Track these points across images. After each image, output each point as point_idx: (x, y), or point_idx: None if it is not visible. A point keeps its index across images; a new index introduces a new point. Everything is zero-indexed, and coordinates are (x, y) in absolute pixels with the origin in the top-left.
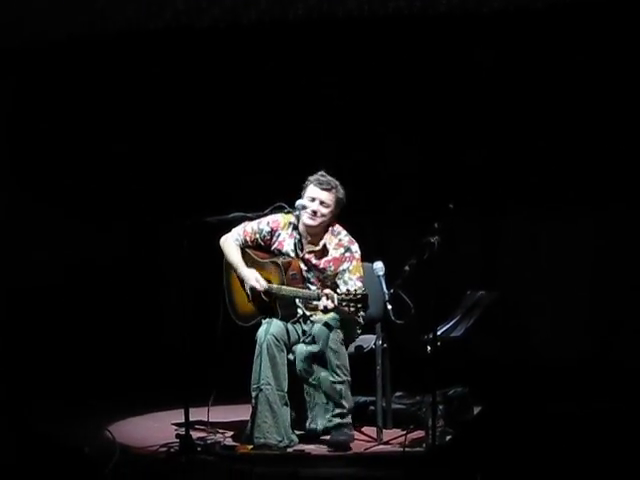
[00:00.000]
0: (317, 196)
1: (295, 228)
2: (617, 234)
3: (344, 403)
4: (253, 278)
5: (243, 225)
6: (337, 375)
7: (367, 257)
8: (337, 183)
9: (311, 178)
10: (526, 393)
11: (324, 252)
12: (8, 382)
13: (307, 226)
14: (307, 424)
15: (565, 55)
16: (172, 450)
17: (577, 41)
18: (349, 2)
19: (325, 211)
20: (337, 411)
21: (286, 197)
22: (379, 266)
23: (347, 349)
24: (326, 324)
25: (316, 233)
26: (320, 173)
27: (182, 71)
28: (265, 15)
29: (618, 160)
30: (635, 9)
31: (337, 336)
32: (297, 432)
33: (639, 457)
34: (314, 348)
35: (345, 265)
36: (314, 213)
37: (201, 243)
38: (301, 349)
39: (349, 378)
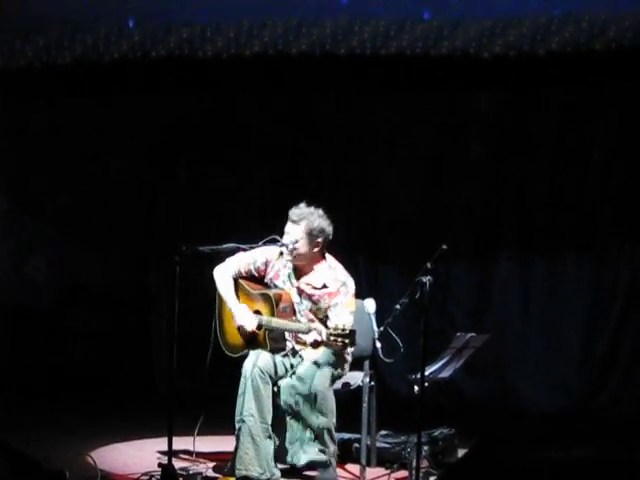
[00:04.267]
0: (286, 229)
1: (289, 257)
2: (607, 280)
3: (329, 445)
4: (243, 317)
5: (237, 256)
6: (323, 417)
7: (359, 294)
8: (311, 212)
9: (292, 212)
10: (512, 438)
11: (323, 286)
12: None
13: (296, 252)
14: (288, 457)
15: (560, 103)
16: (153, 479)
17: (565, 88)
18: (353, 41)
19: (294, 244)
20: (319, 454)
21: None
22: (370, 304)
23: (334, 384)
24: (315, 362)
25: (303, 265)
26: (298, 205)
27: (183, 97)
28: (268, 48)
29: (608, 205)
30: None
31: (324, 379)
32: (280, 466)
33: None
34: (301, 388)
35: (339, 299)
36: (286, 246)
37: (194, 272)
38: (287, 385)
39: (334, 420)
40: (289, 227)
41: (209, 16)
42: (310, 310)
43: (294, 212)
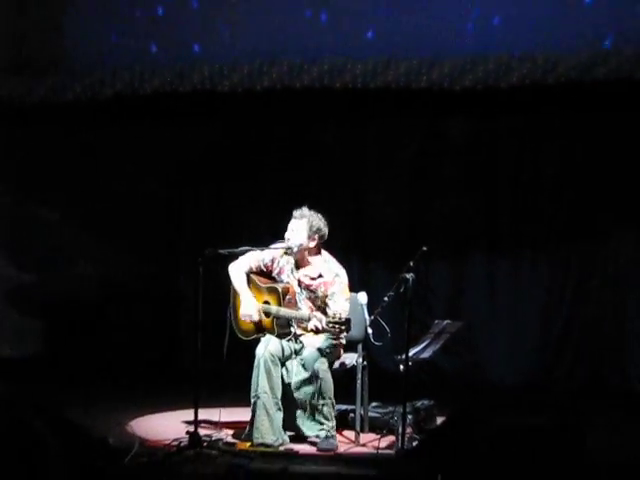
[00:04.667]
0: (290, 225)
1: (291, 254)
2: (560, 275)
3: (328, 421)
4: (250, 308)
5: (249, 254)
6: (322, 398)
7: (353, 288)
8: (311, 214)
9: (294, 213)
10: (481, 407)
11: (318, 276)
12: (51, 384)
13: (297, 249)
14: (296, 423)
15: (520, 128)
16: (182, 444)
17: (524, 116)
18: (346, 76)
19: (296, 236)
20: (321, 427)
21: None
22: (362, 296)
23: (332, 366)
24: (318, 349)
25: (303, 257)
26: (301, 207)
27: (206, 124)
28: (276, 83)
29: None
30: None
31: (324, 364)
32: (288, 433)
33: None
34: (304, 372)
35: (334, 288)
36: (288, 238)
37: (215, 270)
38: (293, 368)
39: (332, 399)
40: (293, 223)
41: (226, 56)
42: (309, 299)
43: (298, 212)
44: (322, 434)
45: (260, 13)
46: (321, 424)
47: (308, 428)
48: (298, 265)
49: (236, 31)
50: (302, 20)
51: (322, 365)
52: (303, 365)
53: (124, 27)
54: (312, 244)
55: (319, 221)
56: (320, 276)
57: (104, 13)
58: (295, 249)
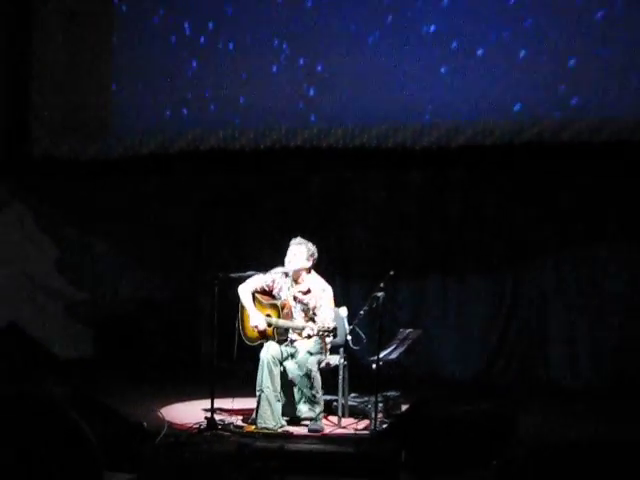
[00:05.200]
0: (291, 249)
1: (287, 276)
2: (497, 293)
3: (317, 408)
4: (256, 319)
5: (254, 278)
6: (313, 389)
7: (335, 304)
8: (306, 242)
9: (291, 242)
10: (437, 397)
11: (308, 291)
12: (99, 380)
13: (293, 272)
14: (296, 411)
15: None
16: (201, 427)
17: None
18: (330, 138)
19: (296, 258)
20: (312, 414)
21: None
22: (343, 310)
23: (320, 365)
24: (309, 352)
25: (298, 276)
26: (297, 237)
27: (221, 172)
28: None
29: (499, 241)
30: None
31: (314, 363)
32: (285, 418)
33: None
34: (299, 369)
35: (322, 301)
36: (289, 261)
37: (227, 290)
38: (290, 366)
39: (320, 390)
40: (294, 249)
41: (234, 122)
42: (302, 310)
43: (297, 240)
44: (312, 416)
45: (262, 89)
46: (312, 408)
47: (301, 412)
48: (293, 284)
49: (246, 101)
50: (295, 93)
51: (313, 365)
52: (298, 364)
53: (157, 97)
54: (308, 265)
55: (313, 247)
56: (309, 291)
57: (142, 85)
58: (291, 273)
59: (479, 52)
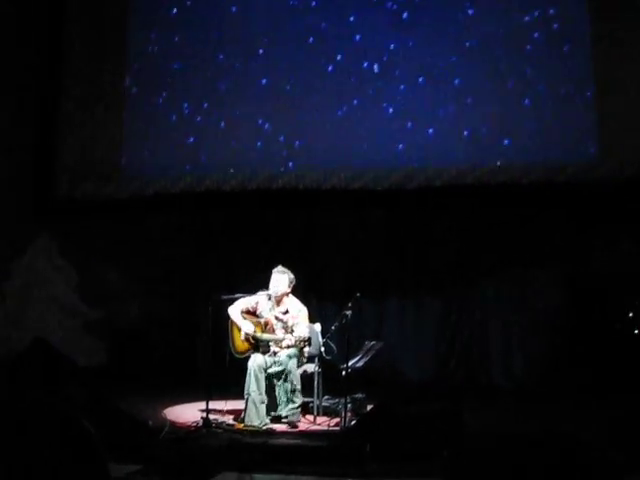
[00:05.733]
0: (275, 277)
1: (270, 299)
2: (446, 309)
3: (296, 403)
4: (248, 327)
5: (242, 300)
6: (292, 385)
7: (311, 320)
8: (287, 271)
9: (274, 270)
10: (396, 399)
11: (286, 312)
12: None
13: (275, 295)
14: (278, 410)
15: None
16: (198, 425)
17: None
18: (306, 181)
19: (281, 287)
20: (292, 406)
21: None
22: (317, 326)
23: (298, 368)
24: (288, 355)
25: (280, 299)
26: (278, 266)
27: (215, 212)
28: (260, 185)
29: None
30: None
31: (293, 365)
32: (269, 417)
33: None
34: (281, 371)
35: (298, 319)
36: (274, 287)
37: (220, 310)
38: (273, 370)
39: (299, 387)
40: (278, 276)
41: (224, 167)
42: (282, 327)
43: (280, 269)
44: (291, 412)
45: (245, 140)
46: (293, 405)
47: (283, 409)
48: (274, 305)
49: (232, 149)
50: (275, 143)
51: (292, 366)
52: (280, 367)
53: (159, 146)
54: (289, 290)
55: (292, 276)
56: (287, 311)
57: (148, 135)
58: (274, 296)
59: (430, 131)
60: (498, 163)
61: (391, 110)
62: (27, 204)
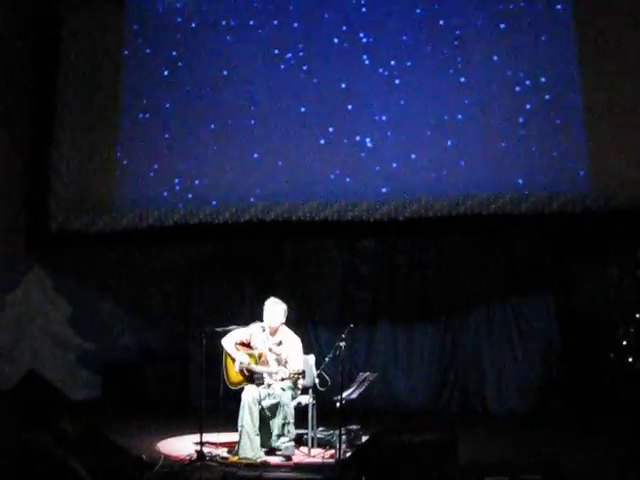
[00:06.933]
0: (270, 308)
1: (264, 330)
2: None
3: (290, 436)
4: (242, 358)
5: (235, 332)
6: (286, 419)
7: (306, 351)
8: (281, 302)
9: (267, 302)
10: (390, 430)
11: (280, 343)
12: (105, 418)
13: (269, 327)
14: (272, 442)
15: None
16: (192, 458)
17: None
18: (298, 213)
19: (275, 318)
20: (285, 439)
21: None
22: (311, 358)
23: (293, 401)
24: (282, 388)
25: (274, 331)
26: (271, 298)
27: (208, 242)
28: (252, 218)
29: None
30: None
31: (288, 398)
32: (263, 450)
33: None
34: (275, 404)
35: (292, 350)
36: (270, 318)
37: (214, 342)
38: (267, 403)
39: (293, 421)
40: (273, 307)
41: (216, 200)
42: (276, 359)
43: (274, 300)
44: (285, 444)
45: (236, 171)
46: (285, 438)
47: (276, 441)
48: (270, 335)
49: (227, 186)
50: (267, 174)
51: (287, 399)
52: (274, 400)
53: (153, 184)
54: (283, 321)
55: (285, 306)
56: (281, 343)
57: (140, 169)
58: (270, 327)
59: (412, 156)
60: (485, 192)
61: (370, 145)
62: (20, 237)
